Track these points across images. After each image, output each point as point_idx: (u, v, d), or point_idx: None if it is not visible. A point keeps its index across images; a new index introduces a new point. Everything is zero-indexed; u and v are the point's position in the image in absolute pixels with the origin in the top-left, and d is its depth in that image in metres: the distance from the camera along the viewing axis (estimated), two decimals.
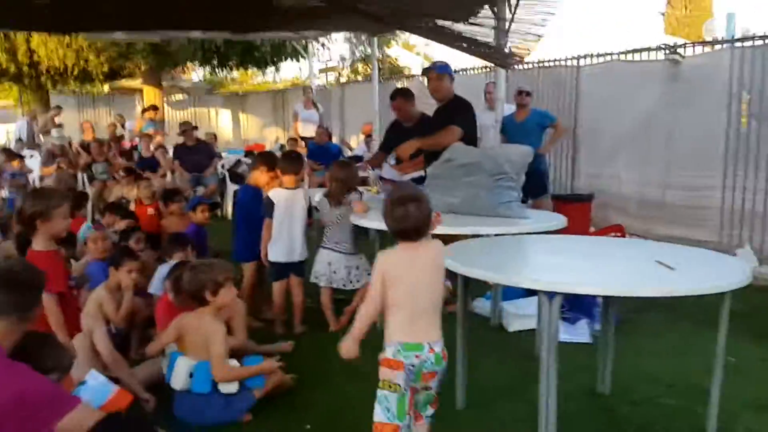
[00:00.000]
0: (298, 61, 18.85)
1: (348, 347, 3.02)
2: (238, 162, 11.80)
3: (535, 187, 8.14)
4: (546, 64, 10.21)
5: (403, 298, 2.96)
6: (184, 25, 10.72)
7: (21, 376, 2.57)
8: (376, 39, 12.18)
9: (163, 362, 4.09)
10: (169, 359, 3.93)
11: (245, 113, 22.75)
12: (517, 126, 8.32)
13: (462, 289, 3.99)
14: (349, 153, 13.08)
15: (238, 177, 11.43)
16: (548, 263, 3.81)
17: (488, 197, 4.98)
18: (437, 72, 5.98)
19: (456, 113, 5.86)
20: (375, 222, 4.84)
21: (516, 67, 9.86)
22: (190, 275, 3.96)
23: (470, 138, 5.58)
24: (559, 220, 5.01)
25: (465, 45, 8.11)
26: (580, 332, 5.25)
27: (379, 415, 2.98)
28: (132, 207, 8.85)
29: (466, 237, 4.66)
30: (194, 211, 6.79)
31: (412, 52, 36.29)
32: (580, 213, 8.24)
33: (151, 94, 19.09)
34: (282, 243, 5.34)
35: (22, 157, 11.68)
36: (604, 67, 9.25)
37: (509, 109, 8.59)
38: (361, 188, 6.36)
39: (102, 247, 5.55)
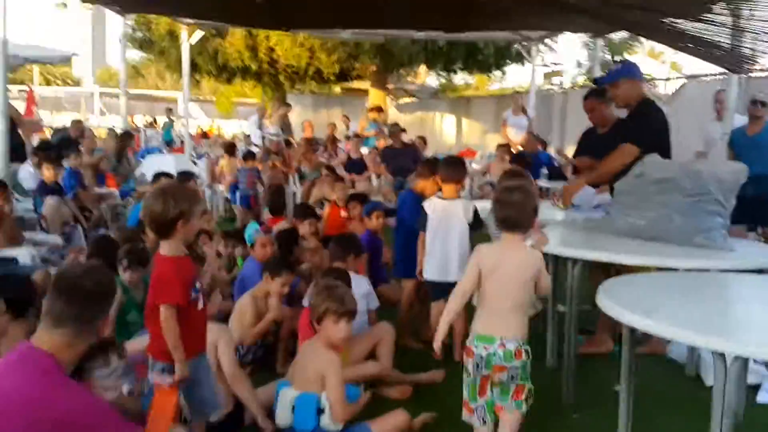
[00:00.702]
0: (522, 64, 18.20)
1: (437, 347, 3.20)
2: None
3: (766, 214, 7.02)
4: None
5: (490, 292, 3.15)
6: (391, 22, 10.57)
7: (70, 397, 2.31)
8: (599, 41, 11.29)
9: None
10: (276, 388, 3.53)
11: (468, 118, 22.44)
12: (748, 140, 7.15)
13: (627, 332, 3.27)
14: (563, 163, 12.27)
15: None
16: (738, 313, 2.98)
17: (684, 222, 4.13)
18: (606, 82, 5.18)
19: (632, 125, 5.00)
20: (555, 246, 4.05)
21: (752, 73, 8.58)
22: (312, 293, 3.55)
23: (654, 152, 4.65)
24: None
25: (691, 45, 7.13)
26: None
27: (464, 392, 3.24)
28: (326, 209, 8.83)
29: (649, 269, 3.90)
30: (369, 216, 6.48)
31: (657, 60, 34.12)
32: None
33: (376, 96, 19.38)
34: (435, 259, 4.79)
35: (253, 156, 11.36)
36: None
37: (741, 121, 7.44)
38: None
39: (270, 251, 5.39)
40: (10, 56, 12.71)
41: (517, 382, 3.14)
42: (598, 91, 5.63)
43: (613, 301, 2.87)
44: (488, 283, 3.14)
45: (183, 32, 12.67)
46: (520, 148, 12.02)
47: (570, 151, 14.39)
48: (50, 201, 6.89)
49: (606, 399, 3.99)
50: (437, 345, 3.19)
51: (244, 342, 4.67)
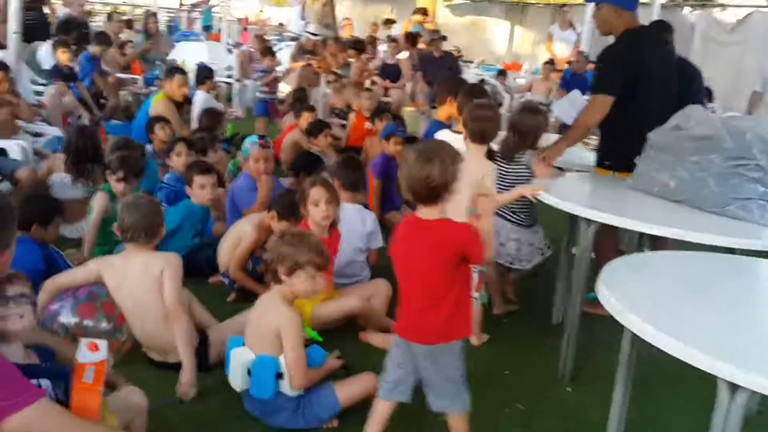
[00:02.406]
0: None
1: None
2: (482, 82, 10.77)
3: None
4: None
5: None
6: None
7: None
8: None
9: None
10: (226, 347, 3.17)
11: (523, 26, 21.32)
12: None
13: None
14: None
15: None
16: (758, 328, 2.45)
17: (719, 188, 3.63)
18: (590, 2, 4.74)
19: (599, 69, 4.48)
20: (558, 199, 3.66)
21: None
22: (274, 243, 3.14)
23: (637, 97, 4.20)
24: None
25: None
26: None
27: None
28: (351, 118, 8.39)
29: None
30: (387, 140, 6.01)
31: None
32: None
33: None
34: None
35: (272, 53, 10.64)
36: None
37: None
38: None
39: (264, 168, 4.98)
40: None
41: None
42: None
43: (613, 293, 2.44)
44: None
45: None
46: (566, 66, 11.34)
47: None
48: (51, 89, 6.53)
49: (607, 371, 3.62)
50: None
51: (230, 272, 4.38)
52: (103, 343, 2.42)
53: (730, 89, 10.22)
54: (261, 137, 5.07)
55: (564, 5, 13.16)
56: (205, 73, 8.04)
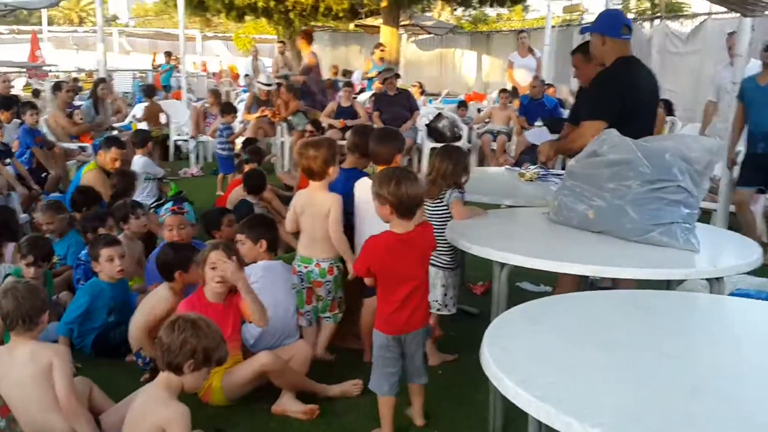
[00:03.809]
0: None
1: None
2: (439, 116, 10.59)
3: None
4: None
5: (304, 226, 4.10)
6: None
7: None
8: None
9: None
10: None
11: (489, 54, 21.28)
12: (760, 91, 6.26)
13: None
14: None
15: (437, 133, 10.31)
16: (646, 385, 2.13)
17: (638, 214, 3.39)
18: (584, 33, 4.57)
19: (592, 94, 4.37)
20: (467, 242, 3.44)
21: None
22: (178, 329, 2.76)
23: (624, 121, 3.93)
24: (751, 257, 3.26)
25: None
26: None
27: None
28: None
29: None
30: None
31: None
32: None
33: (387, 33, 18.31)
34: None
35: (233, 109, 10.00)
36: None
37: (754, 68, 6.52)
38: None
39: (179, 235, 4.71)
40: None
41: (333, 295, 4.09)
42: (583, 48, 4.81)
43: (492, 353, 2.17)
44: (302, 219, 4.07)
45: None
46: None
47: None
48: None
49: None
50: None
51: (143, 347, 4.10)
52: None
53: (691, 100, 10.07)
54: (176, 202, 4.79)
55: (522, 31, 12.99)
56: (142, 136, 7.82)
